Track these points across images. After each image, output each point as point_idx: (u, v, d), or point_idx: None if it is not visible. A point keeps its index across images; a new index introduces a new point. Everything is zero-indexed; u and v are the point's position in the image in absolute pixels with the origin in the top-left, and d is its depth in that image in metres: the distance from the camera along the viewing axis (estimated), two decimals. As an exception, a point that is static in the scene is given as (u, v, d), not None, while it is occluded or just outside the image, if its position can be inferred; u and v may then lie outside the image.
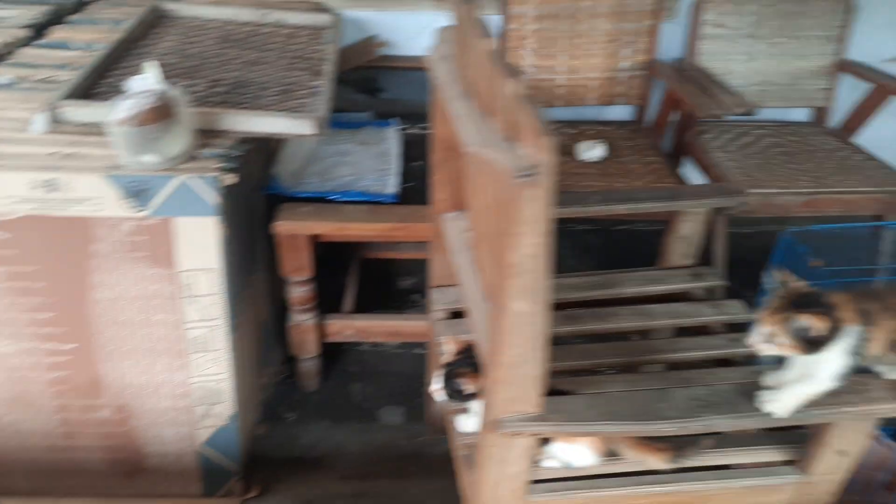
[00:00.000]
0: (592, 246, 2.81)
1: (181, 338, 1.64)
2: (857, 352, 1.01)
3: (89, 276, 1.59)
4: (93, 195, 1.53)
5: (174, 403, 1.69)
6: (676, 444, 1.22)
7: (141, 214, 1.55)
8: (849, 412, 1.14)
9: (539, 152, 0.84)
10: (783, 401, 1.07)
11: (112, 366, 1.65)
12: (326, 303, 2.15)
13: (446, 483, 1.57)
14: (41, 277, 1.59)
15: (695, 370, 1.49)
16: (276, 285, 2.02)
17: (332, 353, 2.21)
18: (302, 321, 1.95)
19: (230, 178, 1.54)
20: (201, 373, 1.66)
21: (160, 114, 1.49)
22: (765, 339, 1.03)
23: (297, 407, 2.05)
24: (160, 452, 1.76)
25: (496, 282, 0.95)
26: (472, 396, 1.28)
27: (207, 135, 1.64)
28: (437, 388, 1.33)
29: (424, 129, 2.42)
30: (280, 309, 2.04)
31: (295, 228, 1.77)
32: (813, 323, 0.97)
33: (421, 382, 1.98)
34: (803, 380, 1.05)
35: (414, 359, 2.21)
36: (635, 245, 2.69)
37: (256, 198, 1.86)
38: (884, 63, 2.75)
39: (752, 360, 1.46)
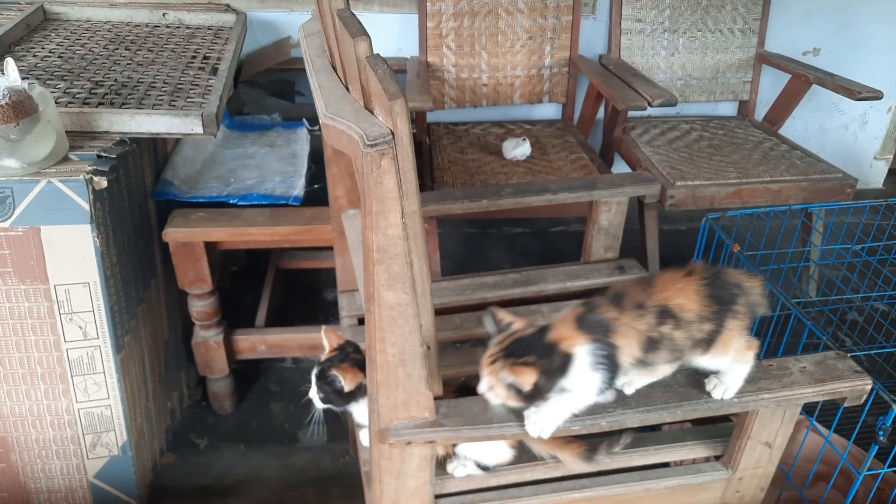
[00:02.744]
0: (528, 249, 2.74)
1: (61, 359, 1.47)
2: (607, 366, 0.92)
3: (-49, 296, 1.42)
4: (-54, 205, 1.37)
5: (59, 433, 1.52)
6: (591, 444, 1.12)
7: (3, 224, 1.39)
8: (768, 398, 1.07)
9: (390, 118, 0.74)
10: (542, 419, 0.95)
11: (-18, 396, 1.48)
12: (243, 318, 2.01)
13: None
14: None
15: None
16: (179, 300, 1.87)
17: (249, 371, 2.06)
18: (207, 338, 1.80)
19: (103, 182, 1.40)
20: (86, 398, 1.50)
21: (18, 112, 1.34)
22: (487, 389, 0.93)
23: (209, 432, 1.89)
24: (48, 488, 1.58)
25: (367, 271, 0.84)
26: (352, 397, 1.16)
27: (83, 137, 1.50)
28: (313, 392, 1.21)
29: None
30: (187, 326, 1.89)
31: (188, 236, 1.63)
32: (522, 379, 0.88)
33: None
34: (562, 396, 0.94)
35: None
36: (572, 247, 2.62)
37: (146, 205, 1.71)
38: (805, 55, 2.79)
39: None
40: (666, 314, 0.94)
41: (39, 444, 1.53)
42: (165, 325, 1.82)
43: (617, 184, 1.60)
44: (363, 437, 1.24)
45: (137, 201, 1.65)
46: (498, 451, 1.11)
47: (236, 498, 1.71)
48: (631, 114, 2.50)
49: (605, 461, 1.13)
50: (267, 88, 2.55)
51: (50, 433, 1.52)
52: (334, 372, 1.15)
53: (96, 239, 1.42)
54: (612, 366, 0.91)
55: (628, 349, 0.92)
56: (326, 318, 2.29)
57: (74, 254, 1.42)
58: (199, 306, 1.75)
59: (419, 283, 0.86)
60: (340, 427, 1.88)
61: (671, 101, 2.10)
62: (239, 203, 1.73)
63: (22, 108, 1.36)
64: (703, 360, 1.00)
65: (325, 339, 1.25)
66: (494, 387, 0.91)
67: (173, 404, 1.88)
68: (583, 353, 0.90)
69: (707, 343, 0.97)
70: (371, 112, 0.82)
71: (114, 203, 1.49)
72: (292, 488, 1.74)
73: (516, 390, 0.90)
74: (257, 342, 1.86)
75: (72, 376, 1.48)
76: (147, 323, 1.69)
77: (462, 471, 1.10)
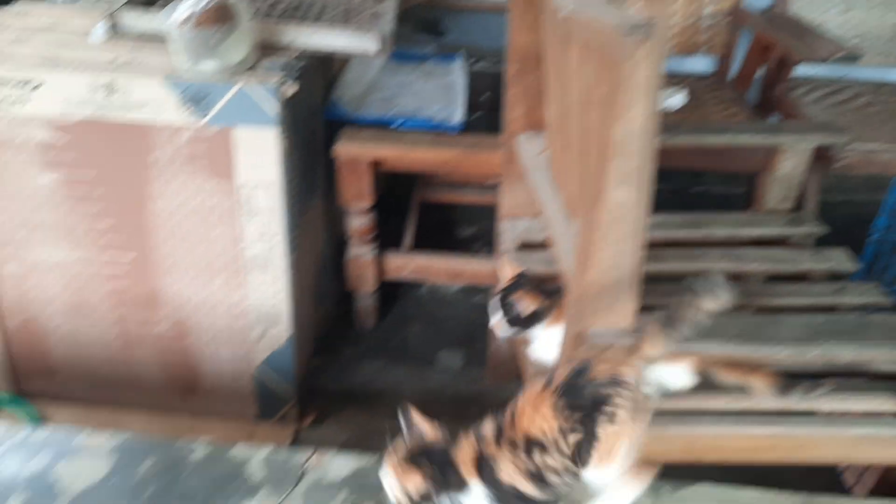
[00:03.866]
0: (664, 208, 2.65)
1: (239, 255, 1.58)
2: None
3: (148, 185, 1.54)
4: (151, 100, 1.48)
5: (231, 323, 1.64)
6: (787, 380, 1.07)
7: (200, 123, 1.49)
8: None
9: (651, 6, 0.73)
10: None
11: (170, 280, 1.61)
12: (386, 243, 2.08)
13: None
14: (100, 184, 1.55)
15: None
16: (335, 218, 1.95)
17: (390, 294, 2.14)
18: (361, 255, 1.87)
19: (291, 89, 1.47)
20: (259, 292, 1.60)
21: (219, 17, 1.42)
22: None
23: (351, 345, 1.98)
24: (216, 372, 1.71)
25: (594, 170, 0.84)
26: (533, 319, 1.17)
27: (268, 48, 1.57)
28: (495, 318, 1.23)
29: (492, 65, 2.31)
30: (338, 243, 1.97)
31: (356, 152, 1.69)
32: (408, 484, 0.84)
33: (482, 329, 1.88)
34: None
35: (473, 306, 2.11)
36: (711, 209, 2.52)
37: (317, 122, 1.78)
38: None
39: (862, 308, 1.30)
40: (533, 443, 0.86)
41: (213, 332, 1.65)
42: (321, 239, 1.91)
43: (803, 130, 1.51)
44: (537, 353, 1.25)
45: (310, 117, 1.72)
46: (684, 377, 1.09)
47: (380, 404, 1.79)
48: (795, 73, 2.34)
49: (797, 403, 1.08)
50: (415, 24, 2.57)
51: (223, 322, 1.64)
52: (516, 298, 1.17)
53: (281, 142, 1.49)
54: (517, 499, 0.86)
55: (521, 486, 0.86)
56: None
57: (260, 154, 1.50)
58: (358, 223, 1.82)
59: (646, 186, 0.84)
60: (476, 355, 1.92)
61: (855, 55, 1.95)
62: (402, 126, 1.77)
63: (223, 15, 1.44)
64: (593, 476, 0.89)
65: (504, 269, 1.27)
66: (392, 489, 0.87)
67: (322, 315, 1.98)
68: (477, 487, 0.87)
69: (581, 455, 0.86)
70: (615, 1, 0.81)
71: (294, 113, 1.56)
72: (431, 403, 1.80)
73: (406, 496, 0.86)
74: (406, 264, 1.92)
75: (248, 271, 1.59)
76: (308, 234, 1.77)
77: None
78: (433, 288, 2.19)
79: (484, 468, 0.86)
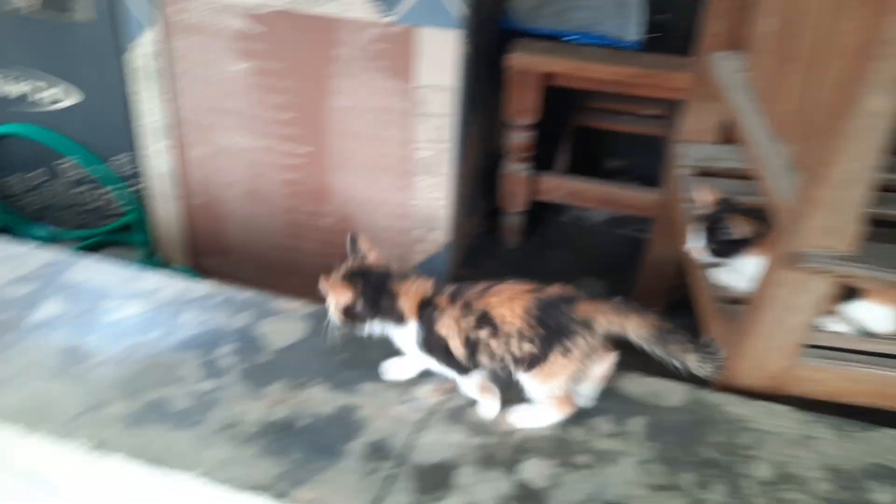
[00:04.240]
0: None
1: (408, 157, 1.62)
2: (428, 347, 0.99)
3: (329, 81, 1.60)
4: (344, -5, 1.51)
5: (393, 223, 1.70)
6: None
7: (386, 20, 1.51)
8: None
9: None
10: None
11: (340, 176, 1.68)
12: (537, 165, 2.06)
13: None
14: (286, 76, 1.62)
15: None
16: (489, 131, 1.95)
17: (535, 215, 2.13)
18: (516, 171, 1.87)
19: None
20: (423, 195, 1.64)
21: None
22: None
23: (495, 259, 2.01)
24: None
25: (837, 79, 0.77)
26: (741, 245, 1.13)
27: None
28: (695, 243, 1.19)
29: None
30: (491, 159, 1.97)
31: (530, 64, 1.66)
32: (336, 295, 0.96)
33: (626, 260, 1.84)
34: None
35: (619, 237, 2.07)
36: None
37: (490, 31, 1.76)
38: None
39: None
40: (487, 320, 0.92)
41: (375, 229, 1.72)
42: (478, 152, 1.92)
43: None
44: (725, 278, 1.21)
45: (486, 25, 1.69)
46: (888, 321, 1.03)
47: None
48: None
49: None
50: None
51: (386, 221, 1.71)
52: (727, 222, 1.13)
53: (463, 46, 1.49)
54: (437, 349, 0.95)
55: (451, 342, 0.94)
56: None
57: (440, 57, 1.50)
58: (518, 137, 1.81)
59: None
60: (619, 287, 1.89)
61: None
62: (577, 40, 1.71)
63: None
64: (523, 377, 0.96)
65: (701, 194, 1.22)
66: (328, 300, 0.96)
67: (471, 227, 2.01)
68: (412, 323, 0.95)
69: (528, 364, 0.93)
70: None
71: (474, 19, 1.54)
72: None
73: (336, 306, 0.96)
74: (559, 185, 1.89)
75: (415, 174, 1.63)
76: (470, 144, 1.78)
77: (839, 327, 1.04)
78: (579, 215, 2.16)
79: (426, 312, 0.95)
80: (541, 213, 2.14)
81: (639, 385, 1.11)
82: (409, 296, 0.96)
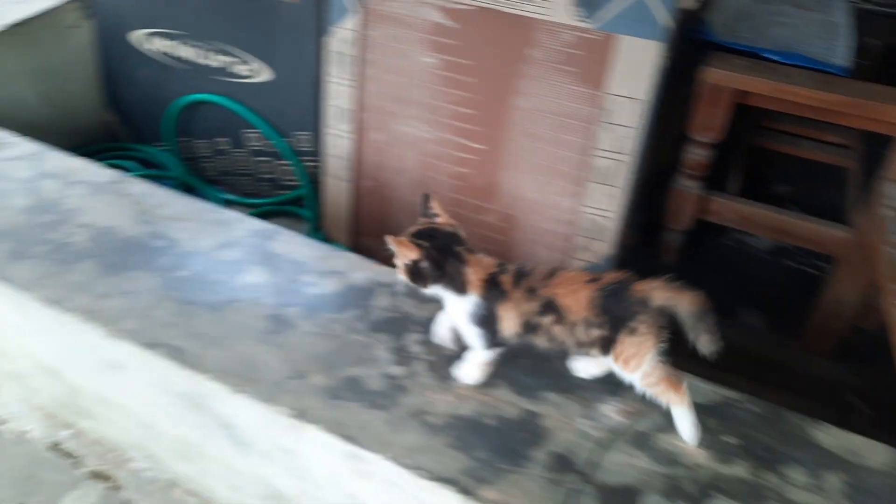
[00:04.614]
0: None
1: (584, 164, 1.60)
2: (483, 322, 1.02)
3: (516, 80, 1.60)
4: (546, -3, 1.51)
5: (557, 228, 1.70)
6: None
7: (585, 25, 1.49)
8: None
9: None
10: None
11: (510, 175, 1.70)
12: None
13: (822, 410, 1.36)
14: (473, 73, 1.64)
15: None
16: (664, 144, 1.89)
17: (694, 235, 2.06)
18: (687, 188, 1.80)
19: (686, 2, 1.40)
20: (594, 204, 1.62)
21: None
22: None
23: (650, 276, 1.96)
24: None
25: None
26: None
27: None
28: None
29: (884, 5, 2.01)
30: (658, 171, 1.92)
31: (726, 80, 1.59)
32: (402, 252, 1.00)
33: (790, 296, 1.75)
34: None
35: (785, 268, 1.96)
36: None
37: (683, 41, 1.69)
38: None
39: None
40: (553, 307, 0.97)
41: (538, 232, 1.73)
42: (649, 164, 1.87)
43: None
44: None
45: (682, 37, 1.63)
46: None
47: (671, 343, 1.77)
48: None
49: None
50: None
51: (549, 225, 1.71)
52: None
53: (662, 59, 1.45)
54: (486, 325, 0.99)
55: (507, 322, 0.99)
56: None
57: (637, 68, 1.47)
58: (697, 154, 1.74)
59: None
60: (782, 320, 1.80)
61: None
62: (777, 59, 1.62)
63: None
64: (614, 367, 1.01)
65: None
66: (396, 258, 1.00)
67: (630, 240, 1.97)
68: (473, 297, 0.99)
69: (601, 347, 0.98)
70: None
71: (677, 32, 1.49)
72: (725, 356, 1.74)
73: (403, 263, 0.99)
74: (731, 208, 1.81)
75: (589, 181, 1.61)
76: (646, 155, 1.74)
77: None
78: (741, 239, 2.07)
79: (491, 289, 0.99)
80: (701, 231, 2.07)
81: (835, 438, 1.05)
82: (476, 268, 1.00)
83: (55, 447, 1.57)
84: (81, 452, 1.56)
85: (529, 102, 1.61)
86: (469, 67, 1.64)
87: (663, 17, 1.42)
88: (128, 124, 2.26)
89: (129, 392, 1.29)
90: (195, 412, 1.20)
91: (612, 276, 0.98)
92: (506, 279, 0.99)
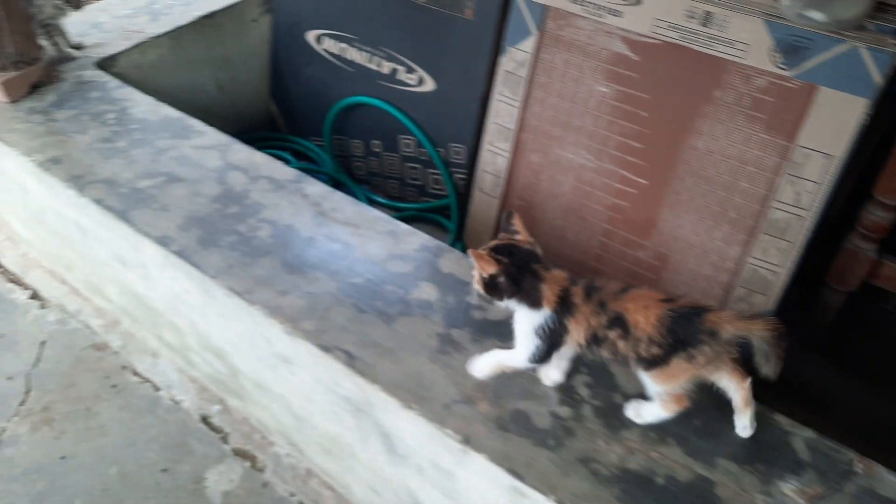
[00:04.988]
0: None
1: (759, 214, 1.53)
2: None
3: (696, 120, 1.55)
4: (742, 39, 1.44)
5: (715, 274, 1.63)
6: None
7: (784, 73, 1.42)
8: None
9: None
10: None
11: (672, 214, 1.65)
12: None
13: None
14: (649, 107, 1.61)
15: None
16: (839, 199, 1.78)
17: (854, 296, 1.93)
18: (861, 249, 1.69)
19: (907, 60, 1.30)
20: (761, 256, 1.55)
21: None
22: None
23: (802, 332, 1.85)
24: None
25: None
26: None
27: (880, 8, 1.41)
28: None
29: None
30: (828, 227, 1.81)
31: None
32: (480, 265, 1.01)
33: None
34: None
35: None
36: None
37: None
38: None
39: None
40: (620, 321, 0.98)
41: (692, 275, 1.67)
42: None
43: None
44: None
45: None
46: None
47: (824, 407, 1.67)
48: None
49: None
50: None
51: (707, 271, 1.65)
52: None
53: (865, 117, 1.36)
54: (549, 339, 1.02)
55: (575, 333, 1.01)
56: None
57: (836, 123, 1.39)
58: (880, 216, 1.62)
59: None
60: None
61: None
62: None
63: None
64: (643, 376, 1.03)
65: None
66: (474, 270, 1.02)
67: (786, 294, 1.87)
68: (546, 311, 1.01)
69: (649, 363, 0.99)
70: None
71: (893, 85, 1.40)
72: (881, 431, 1.62)
73: (480, 276, 1.02)
74: (905, 275, 1.68)
75: (761, 233, 1.54)
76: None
77: None
78: (905, 308, 1.92)
79: (564, 304, 1.00)
80: (865, 297, 1.93)
81: None
82: (551, 285, 1.01)
83: (205, 420, 1.68)
84: (227, 429, 1.66)
85: (707, 144, 1.56)
86: (645, 101, 1.61)
87: (877, 73, 1.33)
88: (288, 117, 2.37)
89: (292, 385, 1.35)
90: (356, 416, 1.24)
91: (687, 300, 0.99)
92: (577, 291, 1.01)
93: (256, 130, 2.37)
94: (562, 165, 1.78)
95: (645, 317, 0.97)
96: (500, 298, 1.02)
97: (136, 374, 1.77)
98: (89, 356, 1.81)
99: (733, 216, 1.57)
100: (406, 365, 1.16)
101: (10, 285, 1.98)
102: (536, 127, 1.79)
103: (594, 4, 1.59)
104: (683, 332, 0.96)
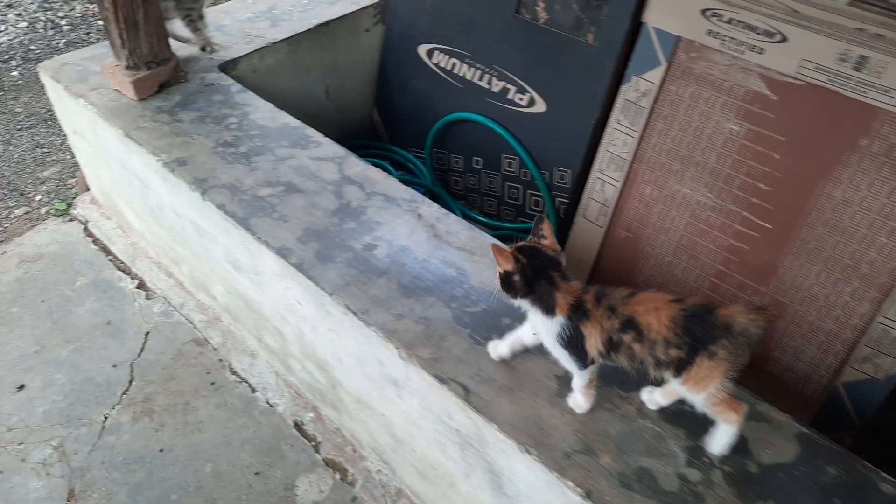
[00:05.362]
0: None
1: (894, 271, 1.44)
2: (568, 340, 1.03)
3: (833, 168, 1.46)
4: (898, 86, 1.35)
5: (838, 330, 1.54)
6: None
7: (943, 126, 1.32)
8: None
9: None
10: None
11: (795, 262, 1.56)
12: None
13: None
14: (782, 150, 1.52)
15: None
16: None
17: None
18: None
19: None
20: (894, 317, 1.45)
21: None
22: None
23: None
24: (788, 365, 1.64)
25: None
26: None
27: None
28: None
29: None
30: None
31: None
32: (499, 259, 1.03)
33: None
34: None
35: None
36: None
37: None
38: None
39: None
40: (633, 325, 0.98)
41: (812, 328, 1.58)
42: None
43: None
44: None
45: None
46: None
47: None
48: None
49: None
50: None
51: (829, 325, 1.55)
52: None
53: None
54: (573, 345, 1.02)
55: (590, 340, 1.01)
56: None
57: None
58: None
59: None
60: None
61: None
62: None
63: None
64: (680, 389, 1.02)
65: None
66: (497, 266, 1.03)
67: None
68: (560, 318, 1.01)
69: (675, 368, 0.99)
70: None
71: None
72: None
73: (499, 273, 1.03)
74: None
75: (894, 290, 1.44)
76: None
77: None
78: None
79: (577, 312, 1.00)
80: None
81: None
82: (566, 294, 1.01)
83: (298, 426, 1.69)
84: (320, 438, 1.67)
85: (844, 193, 1.47)
86: (779, 143, 1.53)
87: None
88: (389, 126, 2.37)
89: (398, 407, 1.34)
90: (463, 449, 1.22)
91: (696, 299, 0.99)
92: (588, 298, 1.02)
93: (358, 137, 2.39)
94: (677, 200, 1.71)
95: (657, 318, 0.97)
96: (514, 296, 1.04)
97: (233, 372, 1.80)
98: (190, 350, 1.85)
99: (866, 271, 1.47)
100: (524, 406, 1.14)
101: (120, 273, 2.06)
102: (653, 159, 1.73)
103: (734, 39, 1.52)
104: (700, 330, 0.96)
